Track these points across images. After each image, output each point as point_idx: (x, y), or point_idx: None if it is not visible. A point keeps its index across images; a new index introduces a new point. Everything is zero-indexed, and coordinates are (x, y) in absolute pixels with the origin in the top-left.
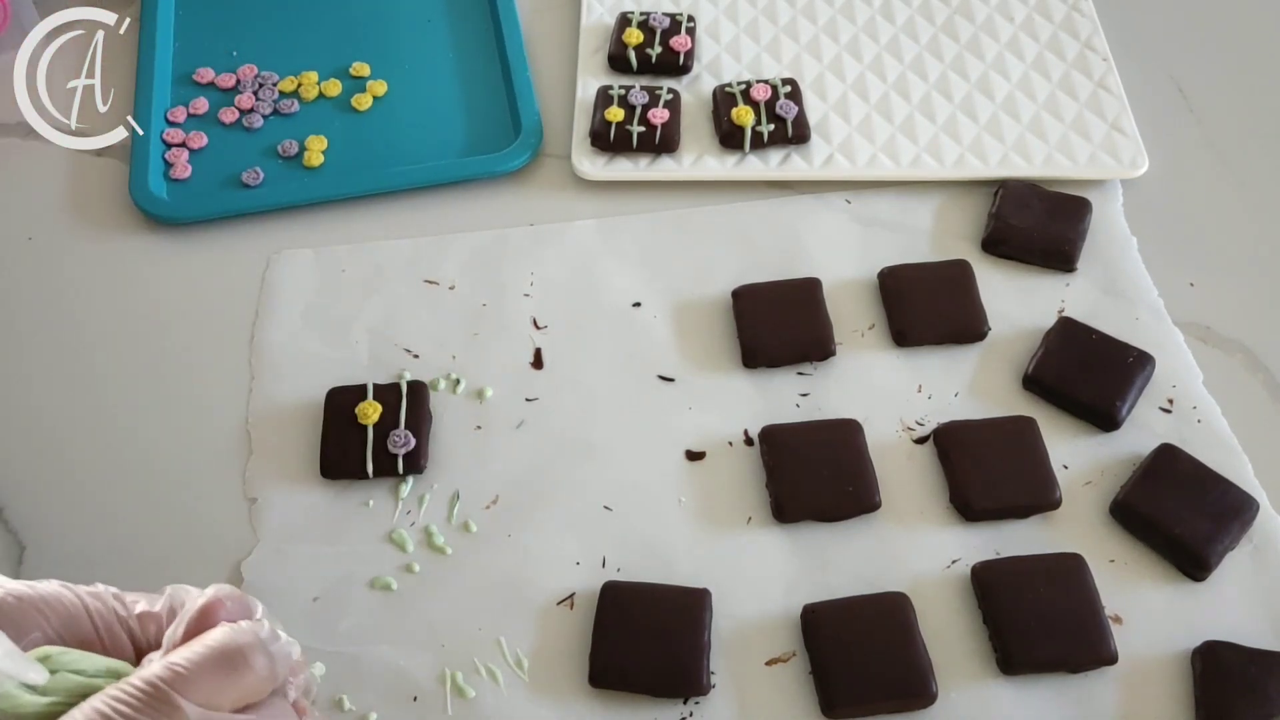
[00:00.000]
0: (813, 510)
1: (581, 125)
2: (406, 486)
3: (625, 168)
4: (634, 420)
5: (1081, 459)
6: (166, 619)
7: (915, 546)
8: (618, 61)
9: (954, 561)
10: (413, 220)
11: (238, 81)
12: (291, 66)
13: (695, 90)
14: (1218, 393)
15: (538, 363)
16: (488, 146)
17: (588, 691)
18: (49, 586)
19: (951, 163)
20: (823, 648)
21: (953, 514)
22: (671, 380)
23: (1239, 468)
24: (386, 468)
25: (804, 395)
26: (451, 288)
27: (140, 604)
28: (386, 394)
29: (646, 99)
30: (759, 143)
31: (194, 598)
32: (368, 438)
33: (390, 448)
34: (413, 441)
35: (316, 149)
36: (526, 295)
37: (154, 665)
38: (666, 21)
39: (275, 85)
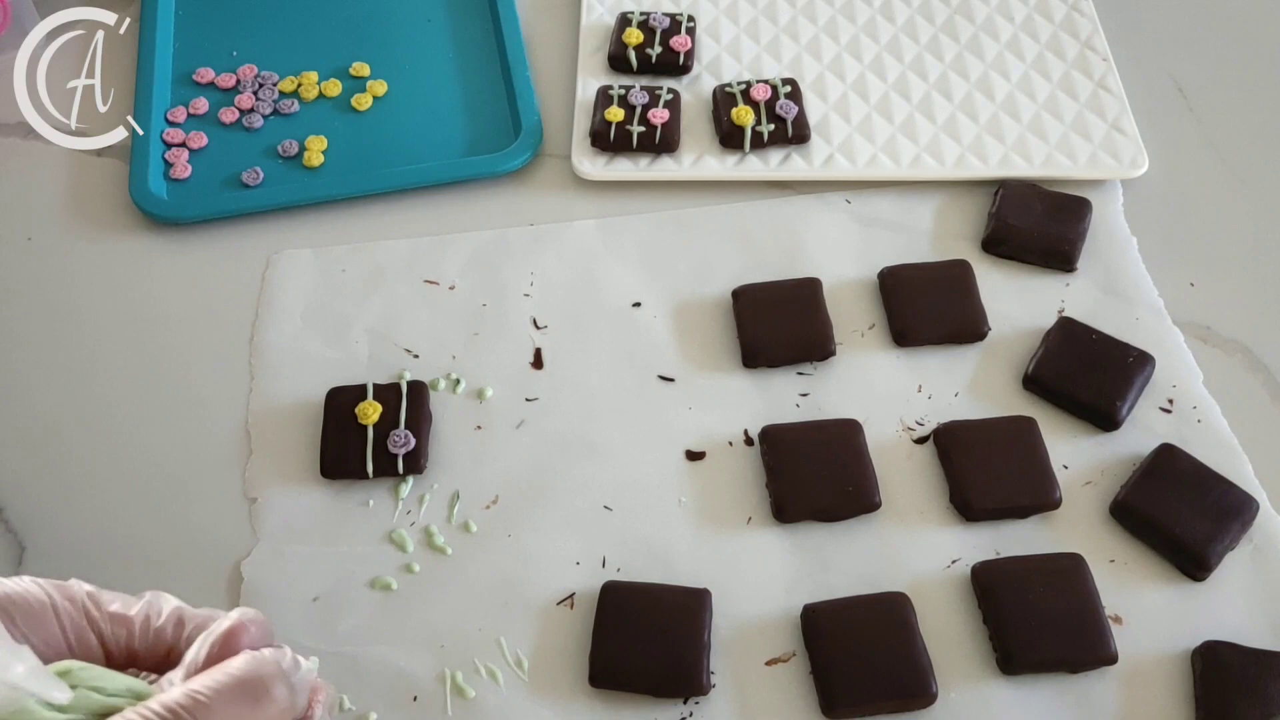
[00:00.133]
0: (813, 510)
1: (581, 125)
2: (406, 486)
3: (625, 168)
4: (634, 420)
5: (1081, 459)
6: (139, 626)
7: (915, 546)
8: (618, 61)
9: (954, 561)
10: (413, 220)
11: (238, 81)
12: (291, 66)
13: (695, 90)
14: (1218, 393)
15: (538, 363)
16: (488, 146)
17: (588, 691)
18: (17, 584)
19: (951, 163)
20: (823, 648)
21: (953, 514)
22: (671, 380)
23: (1239, 468)
24: (386, 468)
25: (804, 395)
26: (451, 288)
27: (115, 604)
28: (386, 394)
29: (646, 99)
30: (759, 143)
31: (219, 620)
32: (368, 438)
33: (390, 448)
34: (413, 441)
35: (316, 149)
36: (526, 295)
37: (175, 692)
38: (666, 21)
39: (275, 85)
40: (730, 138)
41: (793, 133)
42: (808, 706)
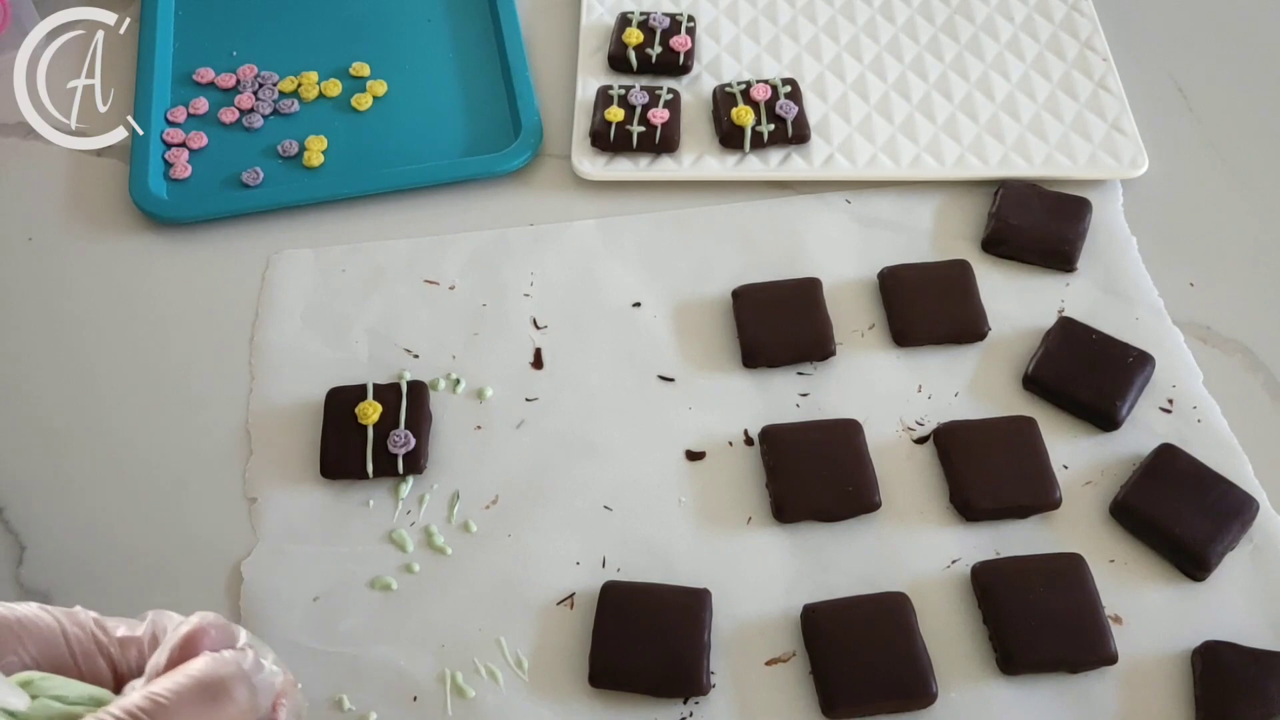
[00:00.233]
0: (813, 510)
1: (581, 125)
2: (406, 486)
3: (625, 168)
4: (634, 420)
5: (1081, 459)
6: (149, 644)
7: (915, 546)
8: (618, 61)
9: (954, 561)
10: (413, 220)
11: (238, 81)
12: (291, 66)
13: (695, 90)
14: (1218, 393)
15: (538, 363)
16: (488, 146)
17: (588, 691)
18: (27, 609)
19: (951, 163)
20: (823, 648)
21: (953, 514)
22: (671, 380)
23: (1239, 468)
24: (386, 468)
25: (804, 395)
26: (451, 288)
27: (121, 629)
28: (386, 394)
29: (646, 99)
30: (759, 143)
31: (177, 624)
32: (368, 438)
33: (390, 448)
34: (413, 441)
35: (316, 149)
36: (526, 295)
37: (134, 695)
38: (666, 21)
39: (275, 85)
40: (730, 138)
41: (793, 133)
42: (808, 706)
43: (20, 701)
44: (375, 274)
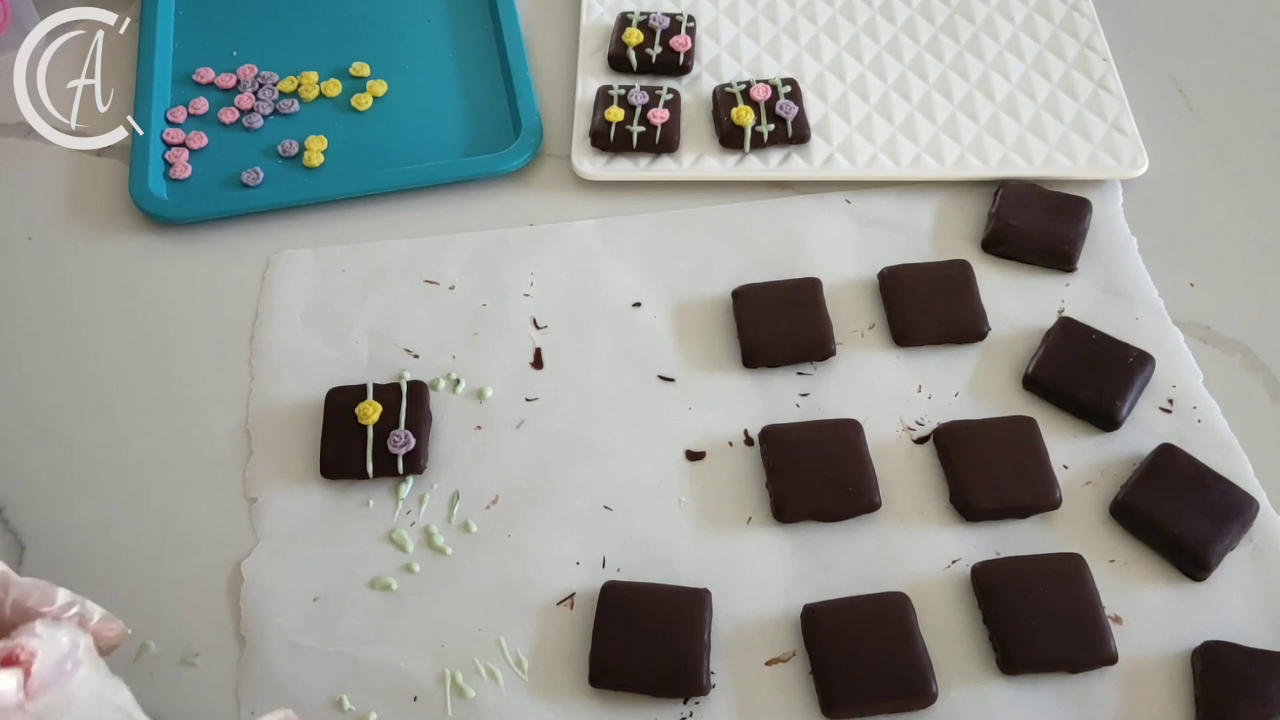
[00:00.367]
0: (813, 510)
1: (581, 125)
2: (406, 486)
3: (625, 168)
4: (634, 420)
5: (1081, 459)
6: None
7: (915, 546)
8: (618, 61)
9: (954, 561)
10: (413, 220)
11: (238, 81)
12: (291, 66)
13: (695, 90)
14: (1218, 393)
15: (538, 363)
16: (488, 146)
17: (588, 691)
18: None
19: (951, 163)
20: (823, 648)
21: (953, 514)
22: (671, 380)
23: (1239, 468)
24: (386, 468)
25: (804, 395)
26: (451, 288)
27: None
28: (386, 394)
29: (646, 99)
30: (759, 143)
31: None
32: (368, 438)
33: (390, 448)
34: (413, 441)
35: (316, 149)
36: (526, 295)
37: None
38: (666, 21)
39: (275, 85)
40: (730, 138)
41: (793, 133)
42: (808, 706)
43: None
44: (375, 274)
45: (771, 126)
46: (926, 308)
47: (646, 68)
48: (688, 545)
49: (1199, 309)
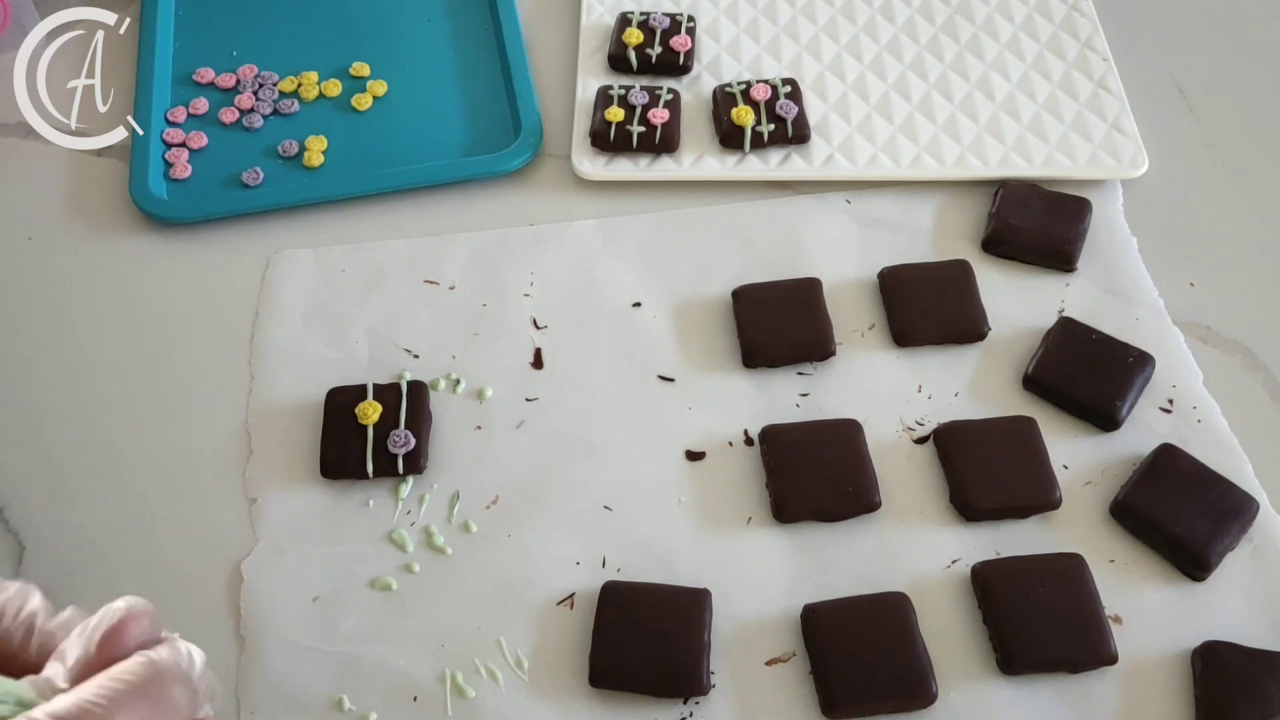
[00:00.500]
0: (813, 510)
1: (581, 125)
2: (406, 486)
3: (625, 168)
4: (634, 420)
5: (1081, 459)
6: (58, 630)
7: (915, 546)
8: (618, 61)
9: (954, 561)
10: (413, 220)
11: (238, 81)
12: (291, 66)
13: (695, 90)
14: (1218, 393)
15: (538, 363)
16: (488, 146)
17: (588, 691)
18: None
19: (951, 163)
20: (823, 648)
21: (953, 514)
22: (671, 380)
23: (1239, 468)
24: (386, 468)
25: (804, 395)
26: (451, 288)
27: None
28: (386, 394)
29: (646, 99)
30: (759, 143)
31: (106, 611)
32: (368, 438)
33: (390, 448)
34: (413, 441)
35: (316, 149)
36: (526, 295)
37: (64, 700)
38: (666, 21)
39: (275, 85)
40: (730, 138)
41: (793, 133)
42: (808, 706)
43: None
44: (375, 274)
45: (771, 126)
46: (926, 308)
47: (646, 68)
48: (688, 545)
49: (1199, 309)
